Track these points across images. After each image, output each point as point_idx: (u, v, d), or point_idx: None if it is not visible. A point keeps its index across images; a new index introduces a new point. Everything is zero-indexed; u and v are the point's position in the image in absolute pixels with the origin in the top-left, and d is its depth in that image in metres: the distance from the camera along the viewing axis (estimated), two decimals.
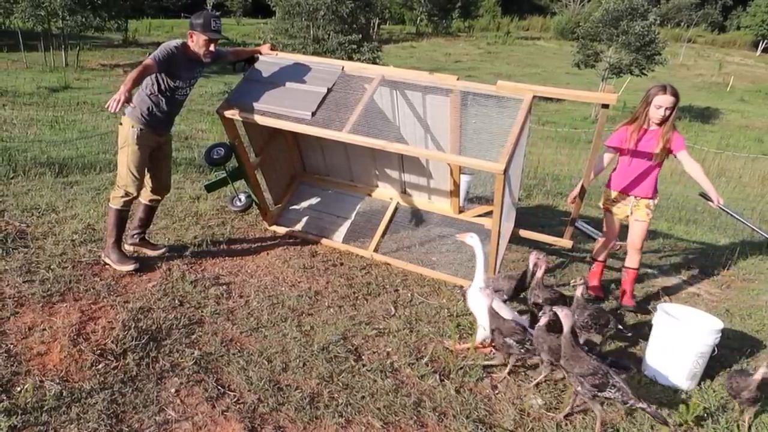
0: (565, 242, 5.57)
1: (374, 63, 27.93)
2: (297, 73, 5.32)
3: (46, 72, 23.05)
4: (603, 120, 4.95)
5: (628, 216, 5.41)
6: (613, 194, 5.45)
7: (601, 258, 5.76)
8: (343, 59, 25.82)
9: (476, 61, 43.74)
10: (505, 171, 4.35)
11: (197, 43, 4.76)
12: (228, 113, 5.26)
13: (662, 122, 5.10)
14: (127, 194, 4.84)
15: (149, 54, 4.85)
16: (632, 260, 5.50)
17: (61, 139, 10.14)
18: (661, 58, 30.66)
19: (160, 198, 5.29)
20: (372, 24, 39.56)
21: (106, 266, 4.92)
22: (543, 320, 3.83)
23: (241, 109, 5.22)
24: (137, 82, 4.46)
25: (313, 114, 4.99)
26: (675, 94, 5.02)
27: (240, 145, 5.70)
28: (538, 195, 10.29)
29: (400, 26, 57.32)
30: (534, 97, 4.69)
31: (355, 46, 28.04)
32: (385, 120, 5.58)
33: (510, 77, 35.40)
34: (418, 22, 55.53)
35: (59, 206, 6.15)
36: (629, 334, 4.69)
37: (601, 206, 5.63)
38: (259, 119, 5.16)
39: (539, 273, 4.51)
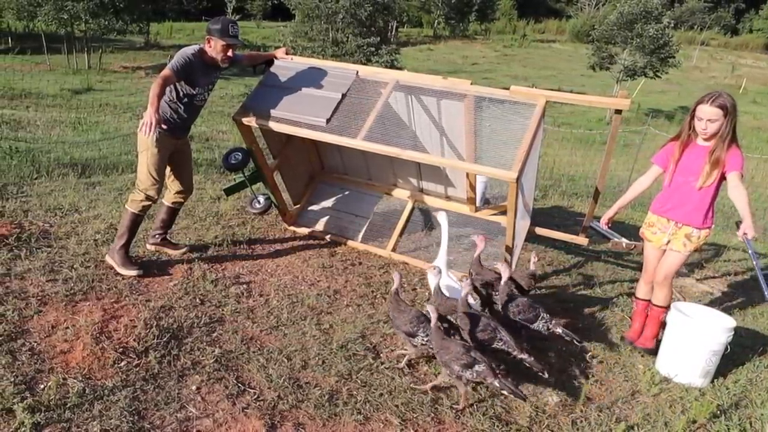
0: (581, 240, 5.59)
1: (392, 65, 28.00)
2: (311, 78, 5.34)
3: (69, 74, 23.28)
4: (616, 124, 4.96)
5: (665, 245, 4.57)
6: (653, 218, 4.63)
7: (640, 295, 4.88)
8: (361, 61, 26.05)
9: (493, 64, 43.73)
10: (518, 179, 4.37)
11: (215, 48, 4.76)
12: (244, 120, 5.29)
13: (710, 137, 4.26)
14: (148, 198, 4.85)
15: (170, 57, 4.89)
16: (656, 296, 4.69)
17: (83, 140, 10.25)
18: (674, 60, 30.83)
19: (182, 200, 5.33)
20: (390, 27, 39.56)
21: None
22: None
23: (256, 115, 5.26)
24: (161, 97, 4.50)
25: (328, 120, 5.01)
26: (722, 106, 4.14)
27: (257, 149, 5.74)
28: (553, 195, 10.29)
29: (418, 29, 57.27)
30: (547, 101, 4.70)
31: (373, 49, 28.04)
32: (400, 125, 5.59)
33: (526, 79, 35.40)
34: (435, 25, 55.50)
35: (82, 206, 6.23)
36: (577, 342, 4.32)
37: (640, 233, 4.83)
38: (275, 126, 5.19)
39: (475, 253, 4.67)
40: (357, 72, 5.31)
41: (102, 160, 8.37)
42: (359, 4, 27.48)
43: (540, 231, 5.80)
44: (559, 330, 4.19)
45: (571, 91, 32.15)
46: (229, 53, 4.82)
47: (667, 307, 4.63)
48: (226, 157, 5.81)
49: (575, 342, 4.26)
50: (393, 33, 42.40)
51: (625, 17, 30.35)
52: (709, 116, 4.18)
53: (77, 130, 11.64)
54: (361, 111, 5.07)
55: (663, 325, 4.63)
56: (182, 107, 4.86)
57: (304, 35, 28.83)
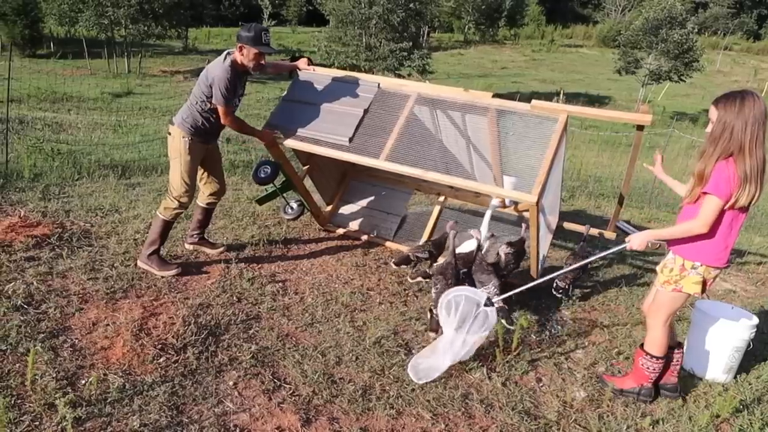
0: (609, 234, 5.71)
1: (424, 70, 28.18)
2: (333, 92, 5.30)
3: (109, 78, 23.57)
4: (639, 139, 4.86)
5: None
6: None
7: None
8: (394, 66, 26.10)
9: (522, 68, 43.70)
10: (538, 201, 4.31)
11: (247, 56, 4.75)
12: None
13: None
14: (181, 205, 4.90)
15: (208, 61, 4.93)
16: (647, 334, 3.91)
17: (123, 142, 10.41)
18: (698, 65, 31.14)
19: (216, 201, 5.39)
20: (422, 32, 39.63)
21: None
22: None
23: (280, 133, 5.29)
24: (244, 123, 5.06)
25: (351, 139, 5.00)
26: (717, 103, 3.35)
27: (286, 162, 5.75)
28: (581, 196, 10.25)
29: (449, 34, 57.35)
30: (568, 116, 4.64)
31: (405, 54, 28.09)
32: (423, 141, 5.33)
33: (554, 83, 35.34)
34: (466, 30, 55.65)
35: (122, 207, 6.34)
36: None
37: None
38: (299, 145, 5.21)
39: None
40: (378, 84, 5.26)
41: (141, 162, 8.53)
42: (392, 10, 27.54)
43: (568, 225, 5.96)
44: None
45: (597, 95, 32.02)
46: (262, 61, 4.86)
47: (656, 357, 3.80)
48: (256, 171, 5.82)
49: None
50: (425, 38, 42.46)
51: (651, 23, 30.77)
52: (710, 115, 3.41)
53: (117, 133, 11.79)
54: (383, 127, 5.02)
55: (653, 382, 3.92)
56: (214, 115, 4.87)
57: (338, 40, 28.97)
